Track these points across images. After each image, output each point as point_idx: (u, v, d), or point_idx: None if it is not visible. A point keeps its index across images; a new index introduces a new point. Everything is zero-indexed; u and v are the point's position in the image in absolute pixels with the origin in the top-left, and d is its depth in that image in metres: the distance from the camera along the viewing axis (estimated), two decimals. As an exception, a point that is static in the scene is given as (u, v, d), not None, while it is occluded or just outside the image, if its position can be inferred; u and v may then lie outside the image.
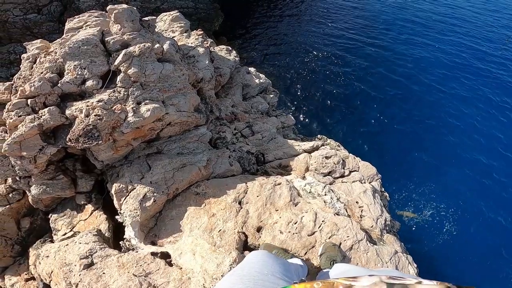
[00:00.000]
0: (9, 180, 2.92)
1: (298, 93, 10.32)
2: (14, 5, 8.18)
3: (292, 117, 4.59)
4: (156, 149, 3.09)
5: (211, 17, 11.63)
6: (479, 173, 8.41)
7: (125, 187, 2.64)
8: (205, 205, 2.80)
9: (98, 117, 2.49)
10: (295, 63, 11.56)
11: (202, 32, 4.28)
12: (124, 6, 3.07)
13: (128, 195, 2.63)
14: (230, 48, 4.59)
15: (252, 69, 4.72)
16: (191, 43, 3.91)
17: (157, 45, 3.03)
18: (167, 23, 4.25)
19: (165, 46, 3.09)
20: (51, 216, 3.00)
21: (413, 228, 7.32)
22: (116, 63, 2.77)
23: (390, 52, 12.53)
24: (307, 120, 9.51)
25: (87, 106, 2.55)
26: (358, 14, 15.70)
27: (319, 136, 4.70)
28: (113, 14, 3.01)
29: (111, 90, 2.72)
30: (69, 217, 2.97)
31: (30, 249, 2.88)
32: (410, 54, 12.62)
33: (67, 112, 2.59)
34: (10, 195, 2.97)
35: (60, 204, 3.09)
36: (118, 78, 2.77)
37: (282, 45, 12.59)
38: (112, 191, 2.65)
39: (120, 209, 2.61)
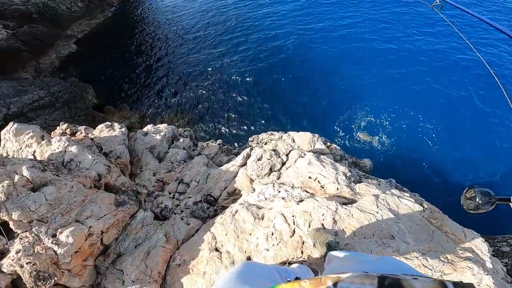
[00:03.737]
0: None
1: (213, 111, 10.40)
2: None
3: (215, 144, 4.59)
4: (115, 255, 2.96)
5: (77, 94, 10.68)
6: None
7: (117, 296, 2.64)
8: (192, 270, 2.81)
9: (32, 264, 2.39)
10: (190, 84, 11.54)
11: (66, 124, 3.93)
12: None
13: (125, 300, 2.66)
14: (110, 123, 4.25)
15: (149, 127, 4.56)
16: (58, 148, 3.41)
17: (17, 176, 2.75)
18: (14, 142, 3.60)
19: (26, 173, 2.80)
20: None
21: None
22: (-6, 217, 2.51)
23: (260, 36, 13.34)
24: (237, 127, 9.73)
25: (13, 260, 2.40)
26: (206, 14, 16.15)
27: (250, 138, 4.77)
28: None
29: (18, 239, 2.52)
30: None
31: None
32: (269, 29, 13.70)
33: (4, 270, 2.45)
34: None
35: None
36: (12, 227, 2.54)
37: (167, 75, 12.36)
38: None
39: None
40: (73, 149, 3.38)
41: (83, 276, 2.73)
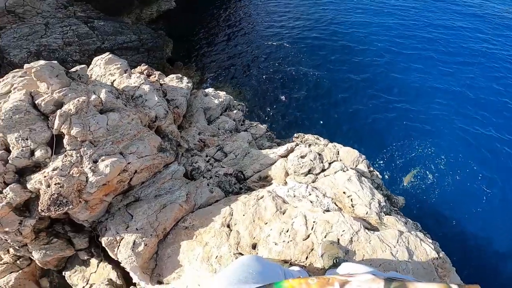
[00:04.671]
0: (11, 249, 2.95)
1: (267, 98, 10.39)
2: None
3: (262, 126, 4.58)
4: (134, 198, 3.03)
5: (159, 45, 11.51)
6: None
7: (113, 239, 2.67)
8: (196, 237, 2.83)
9: (59, 185, 2.40)
10: (256, 68, 11.66)
11: (146, 66, 4.18)
12: (42, 62, 2.82)
13: (119, 245, 2.66)
14: (181, 76, 4.46)
15: (210, 90, 4.70)
16: (134, 83, 3.71)
17: (94, 96, 2.89)
18: (102, 68, 3.95)
19: (102, 95, 2.94)
20: (65, 274, 3.13)
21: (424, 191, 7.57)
22: (55, 127, 2.58)
23: (343, 41, 12.88)
24: (284, 120, 9.58)
25: (45, 177, 2.44)
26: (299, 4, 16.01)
27: (296, 135, 4.70)
28: (32, 74, 2.77)
29: (63, 155, 2.56)
30: (80, 272, 3.11)
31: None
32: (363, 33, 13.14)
33: (29, 186, 2.51)
34: (18, 262, 3.09)
35: (68, 262, 3.20)
36: (65, 141, 2.60)
37: (240, 53, 12.63)
38: (104, 245, 2.70)
39: (117, 258, 2.66)
40: (146, 87, 3.63)
41: (95, 210, 2.73)
